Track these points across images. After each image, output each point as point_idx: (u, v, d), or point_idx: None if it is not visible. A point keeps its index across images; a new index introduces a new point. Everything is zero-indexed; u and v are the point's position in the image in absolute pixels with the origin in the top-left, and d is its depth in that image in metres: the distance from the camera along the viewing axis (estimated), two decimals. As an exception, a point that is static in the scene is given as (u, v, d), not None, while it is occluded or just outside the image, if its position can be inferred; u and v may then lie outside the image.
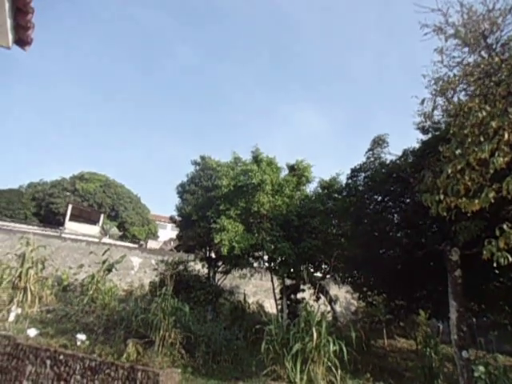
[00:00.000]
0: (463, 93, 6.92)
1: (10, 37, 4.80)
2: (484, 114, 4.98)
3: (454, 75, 6.68)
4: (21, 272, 12.13)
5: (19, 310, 10.67)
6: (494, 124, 4.79)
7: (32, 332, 8.46)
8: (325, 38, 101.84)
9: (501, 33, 6.14)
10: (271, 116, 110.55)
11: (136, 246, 33.45)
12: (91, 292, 13.71)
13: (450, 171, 5.33)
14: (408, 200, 11.62)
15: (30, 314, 11.11)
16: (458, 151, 5.33)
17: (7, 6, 4.32)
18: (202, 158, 20.03)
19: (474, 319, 16.35)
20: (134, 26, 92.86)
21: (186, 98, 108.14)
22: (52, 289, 14.08)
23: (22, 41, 5.05)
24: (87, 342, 8.08)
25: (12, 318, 10.06)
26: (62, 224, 37.26)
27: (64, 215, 38.51)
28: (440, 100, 7.10)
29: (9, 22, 4.56)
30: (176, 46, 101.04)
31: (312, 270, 16.49)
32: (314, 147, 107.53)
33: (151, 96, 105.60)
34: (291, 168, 16.81)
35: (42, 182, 47.99)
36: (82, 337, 8.16)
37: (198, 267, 19.39)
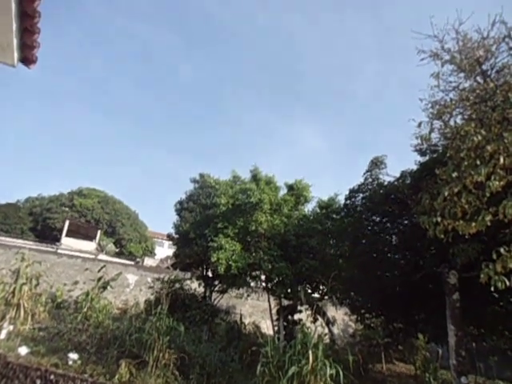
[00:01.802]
0: (459, 117, 7.04)
1: (16, 55, 4.91)
2: (480, 138, 5.06)
3: (451, 99, 6.82)
4: (14, 288, 11.95)
5: (11, 327, 10.48)
6: (489, 148, 4.86)
7: (23, 350, 8.30)
8: (325, 59, 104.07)
9: (495, 59, 6.31)
10: (271, 135, 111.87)
11: (132, 263, 33.14)
12: (85, 310, 13.50)
13: (446, 194, 5.38)
14: (406, 221, 11.62)
15: (21, 332, 10.90)
16: (455, 174, 5.39)
17: (14, 26, 4.43)
18: (201, 175, 20.13)
19: (474, 344, 16.10)
20: (138, 43, 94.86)
21: (186, 115, 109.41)
22: (45, 306, 13.85)
23: (27, 59, 5.16)
24: (79, 362, 7.92)
25: (3, 335, 9.88)
26: (59, 239, 37.01)
27: (61, 231, 38.29)
28: (437, 123, 7.23)
29: (15, 42, 4.67)
30: (179, 64, 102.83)
31: (309, 290, 16.33)
32: (313, 166, 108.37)
33: (152, 113, 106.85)
34: (290, 187, 16.88)
35: (39, 197, 47.89)
36: (73, 356, 8.00)
37: (195, 286, 19.18)
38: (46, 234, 40.66)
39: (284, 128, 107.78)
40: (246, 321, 21.61)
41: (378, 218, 12.41)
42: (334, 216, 15.53)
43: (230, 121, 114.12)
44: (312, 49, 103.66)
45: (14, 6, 4.24)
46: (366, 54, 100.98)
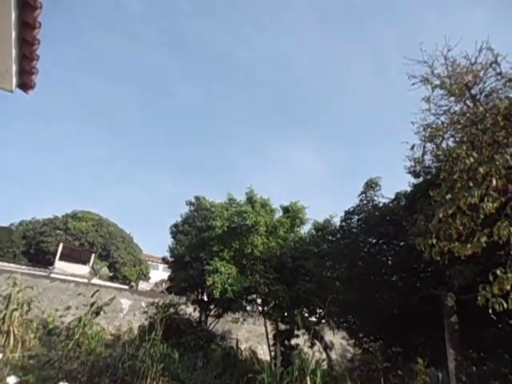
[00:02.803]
0: (451, 139, 7.17)
1: (14, 81, 4.98)
2: (472, 160, 5.14)
3: (442, 122, 6.96)
4: (5, 314, 11.70)
5: (0, 356, 10.18)
6: (481, 170, 4.94)
7: (12, 380, 8.02)
8: (321, 82, 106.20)
9: (483, 84, 6.50)
10: (267, 155, 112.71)
11: (126, 287, 32.60)
12: (77, 336, 13.14)
13: (441, 215, 5.41)
14: (402, 243, 11.61)
15: (11, 360, 10.58)
16: (448, 196, 5.44)
17: (14, 53, 4.52)
18: (197, 198, 20.12)
19: (474, 368, 15.81)
20: (136, 65, 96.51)
21: (182, 136, 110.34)
22: (36, 332, 13.53)
23: (25, 85, 5.24)
24: (69, 392, 7.66)
25: (-8, 363, 9.58)
26: (52, 263, 36.43)
27: (54, 254, 37.75)
28: (429, 146, 7.35)
29: (14, 68, 4.75)
30: (176, 85, 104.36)
31: (306, 314, 16.10)
32: (309, 186, 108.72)
33: (148, 134, 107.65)
34: (285, 209, 16.88)
35: (33, 220, 47.41)
36: (64, 385, 7.75)
37: (190, 310, 18.84)
38: (40, 257, 40.05)
39: (279, 149, 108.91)
40: (243, 346, 21.13)
41: (373, 240, 12.40)
42: (330, 238, 15.48)
43: (225, 143, 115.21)
44: (307, 71, 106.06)
45: (13, 33, 4.33)
46: (361, 75, 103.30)
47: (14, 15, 4.05)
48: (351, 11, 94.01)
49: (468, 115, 6.12)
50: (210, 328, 18.41)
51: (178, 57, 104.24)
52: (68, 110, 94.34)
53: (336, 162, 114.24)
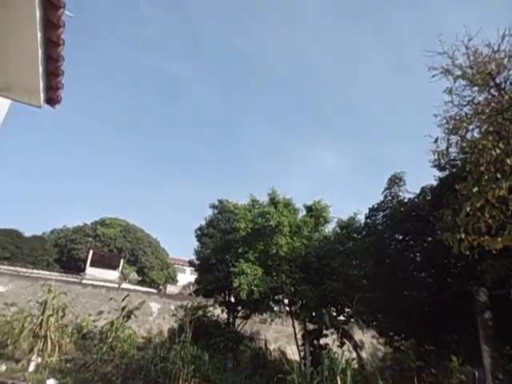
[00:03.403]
0: (476, 130, 6.98)
1: (42, 97, 5.22)
2: (498, 151, 5.00)
3: (466, 114, 6.79)
4: (42, 320, 12.19)
5: (39, 360, 10.63)
6: (509, 161, 4.79)
7: (51, 382, 8.38)
8: (338, 77, 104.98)
9: (508, 72, 6.29)
10: (290, 156, 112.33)
11: (155, 291, 33.24)
12: (110, 340, 13.53)
13: (468, 209, 5.28)
14: (430, 238, 11.35)
15: (49, 364, 11.03)
16: (475, 189, 5.30)
17: (41, 69, 4.74)
18: (220, 201, 20.29)
19: (512, 365, 15.24)
20: (157, 73, 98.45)
21: (204, 141, 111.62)
22: (72, 337, 14.01)
23: (52, 100, 5.47)
24: (106, 393, 7.91)
25: (32, 367, 10.02)
26: (83, 270, 37.61)
27: (85, 261, 38.96)
28: (454, 138, 7.18)
29: (41, 84, 4.98)
30: (196, 91, 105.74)
31: (334, 313, 15.94)
32: (333, 184, 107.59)
33: (171, 140, 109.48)
34: (309, 209, 16.79)
35: (64, 229, 49.10)
36: (100, 387, 8.01)
37: (218, 312, 19.03)
38: (71, 264, 41.43)
39: (301, 149, 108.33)
40: (271, 347, 21.16)
41: (400, 236, 12.18)
42: (355, 236, 15.30)
43: (247, 146, 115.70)
44: (324, 68, 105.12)
45: (40, 51, 4.54)
46: (381, 69, 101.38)
47: (39, 34, 4.25)
48: (369, 7, 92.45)
49: (493, 105, 5.95)
50: (239, 329, 18.52)
51: (196, 63, 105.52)
52: (93, 120, 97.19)
53: (359, 159, 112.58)
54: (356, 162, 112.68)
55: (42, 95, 5.25)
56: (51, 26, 4.36)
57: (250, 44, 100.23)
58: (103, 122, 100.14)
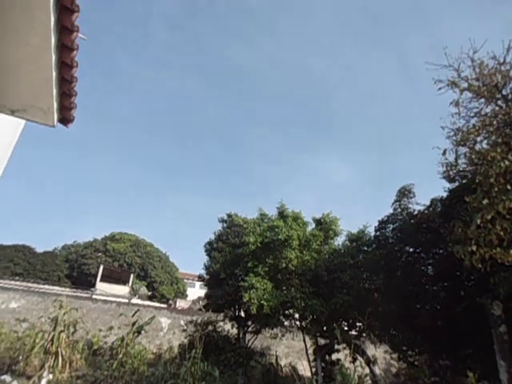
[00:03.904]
0: (485, 141, 6.97)
1: (56, 117, 5.38)
2: (507, 163, 4.98)
3: (474, 126, 6.79)
4: (53, 336, 12.22)
5: (50, 376, 10.63)
6: (518, 173, 4.77)
7: (62, 399, 8.35)
8: (347, 89, 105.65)
9: (515, 84, 6.30)
10: (295, 166, 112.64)
11: (165, 306, 33.15)
12: (120, 356, 13.48)
13: (479, 221, 5.24)
14: (441, 251, 11.22)
15: (60, 380, 11.02)
16: (485, 201, 5.27)
17: (54, 91, 4.90)
18: (229, 215, 20.34)
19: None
20: (166, 92, 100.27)
21: (214, 154, 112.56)
22: (82, 353, 14.01)
23: (65, 119, 5.63)
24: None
25: (43, 384, 10.01)
26: (94, 285, 37.72)
27: (95, 276, 39.10)
28: (462, 149, 7.17)
29: (55, 105, 5.13)
30: (205, 110, 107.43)
31: (346, 328, 15.71)
32: (342, 196, 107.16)
33: (179, 154, 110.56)
34: (318, 222, 16.73)
35: (75, 244, 49.52)
36: (110, 404, 7.97)
37: (228, 327, 18.87)
38: (82, 279, 41.62)
39: (309, 160, 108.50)
40: (282, 362, 20.84)
41: (411, 249, 12.07)
42: (366, 248, 15.17)
43: (253, 155, 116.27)
44: (334, 80, 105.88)
45: (54, 73, 4.71)
46: (389, 81, 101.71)
47: (54, 57, 4.41)
48: (376, 21, 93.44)
49: (500, 116, 5.94)
50: (249, 344, 18.31)
51: (204, 77, 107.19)
52: (105, 139, 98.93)
53: (368, 171, 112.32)
54: (366, 174, 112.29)
55: (55, 115, 5.41)
56: (65, 49, 4.53)
57: (260, 58, 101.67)
58: (114, 137, 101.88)
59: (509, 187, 5.22)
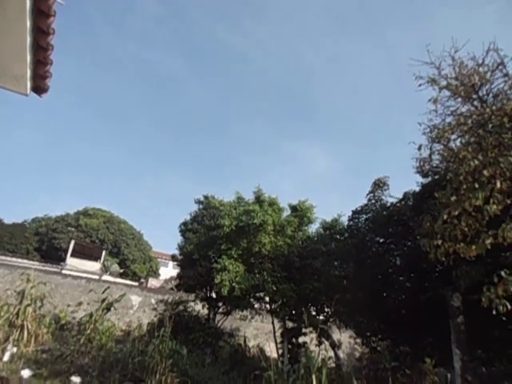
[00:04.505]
0: (459, 140, 7.18)
1: (29, 85, 5.16)
2: (476, 162, 5.16)
3: (449, 124, 6.96)
4: (19, 309, 12.01)
5: (14, 349, 10.47)
6: (486, 172, 4.96)
7: (26, 373, 8.27)
8: (332, 79, 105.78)
9: (491, 85, 6.48)
10: (279, 154, 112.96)
11: (136, 284, 33.01)
12: (88, 332, 13.39)
13: (445, 217, 5.44)
14: (410, 243, 11.59)
15: (25, 354, 10.88)
16: (453, 198, 5.46)
17: (29, 58, 4.69)
18: (206, 197, 20.26)
19: (484, 368, 15.69)
20: (149, 69, 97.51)
21: (193, 136, 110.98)
22: (49, 327, 13.84)
23: (39, 88, 5.41)
24: (81, 385, 7.87)
25: (7, 357, 9.86)
26: (64, 260, 37.05)
27: (66, 251, 38.37)
28: (437, 146, 7.36)
29: (28, 73, 4.92)
30: (187, 86, 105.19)
31: (314, 312, 16.15)
32: (320, 184, 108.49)
33: (158, 134, 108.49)
34: (293, 208, 16.92)
35: (46, 217, 48.23)
36: (76, 379, 7.97)
37: (199, 308, 19.05)
38: (52, 254, 40.76)
39: (290, 147, 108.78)
40: (251, 343, 21.27)
41: (381, 240, 12.40)
42: (338, 237, 15.51)
43: (236, 143, 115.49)
44: (319, 73, 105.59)
45: (28, 39, 4.49)
46: (372, 74, 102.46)
47: (28, 23, 4.21)
48: (364, 11, 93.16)
49: (474, 117, 6.12)
50: (219, 325, 18.60)
51: (189, 57, 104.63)
52: (80, 110, 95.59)
53: (348, 161, 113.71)
54: (346, 164, 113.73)
55: (28, 83, 5.20)
56: (41, 14, 4.32)
57: (246, 43, 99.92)
58: (92, 113, 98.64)
59: (476, 186, 5.41)
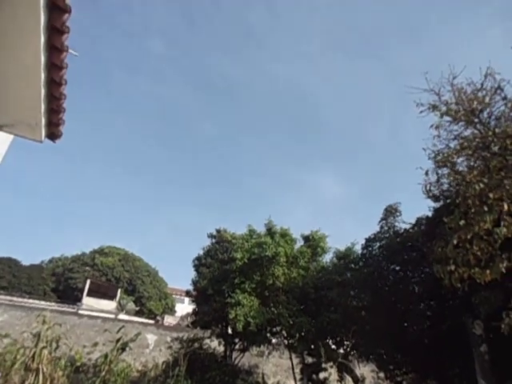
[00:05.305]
0: (465, 163, 7.18)
1: (43, 132, 5.46)
2: (482, 185, 5.14)
3: (453, 148, 7.00)
4: (35, 352, 11.94)
5: (30, 394, 10.36)
6: (491, 195, 4.93)
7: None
8: (341, 108, 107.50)
9: (491, 108, 6.55)
10: (290, 185, 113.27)
11: (152, 321, 32.62)
12: (103, 373, 13.21)
13: (455, 242, 5.37)
14: (427, 269, 11.33)
15: (39, 398, 10.73)
16: (462, 222, 5.41)
17: (43, 107, 5.00)
18: (218, 231, 20.33)
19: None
20: (161, 105, 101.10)
21: (206, 170, 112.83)
22: (64, 370, 13.65)
23: (53, 135, 5.72)
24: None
25: (22, 402, 9.75)
26: (80, 299, 37.04)
27: (82, 290, 38.43)
28: (443, 170, 7.37)
29: (43, 121, 5.23)
30: (198, 123, 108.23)
31: (333, 346, 15.62)
32: (333, 209, 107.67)
33: (171, 170, 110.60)
34: (306, 239, 16.81)
35: (62, 257, 48.71)
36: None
37: (215, 344, 18.61)
38: (68, 294, 40.83)
39: (300, 177, 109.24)
40: (270, 381, 20.57)
41: (397, 267, 12.16)
42: (353, 266, 15.24)
43: (247, 175, 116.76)
44: (326, 99, 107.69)
45: (43, 90, 4.81)
46: (379, 98, 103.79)
47: (43, 75, 4.53)
48: (370, 42, 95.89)
49: (477, 140, 6.16)
50: (236, 362, 18.07)
51: (199, 94, 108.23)
52: (93, 149, 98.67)
53: (361, 189, 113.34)
54: (359, 191, 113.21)
55: (43, 131, 5.50)
56: (55, 67, 4.64)
57: (254, 73, 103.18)
58: (104, 148, 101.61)
59: (485, 209, 5.37)
